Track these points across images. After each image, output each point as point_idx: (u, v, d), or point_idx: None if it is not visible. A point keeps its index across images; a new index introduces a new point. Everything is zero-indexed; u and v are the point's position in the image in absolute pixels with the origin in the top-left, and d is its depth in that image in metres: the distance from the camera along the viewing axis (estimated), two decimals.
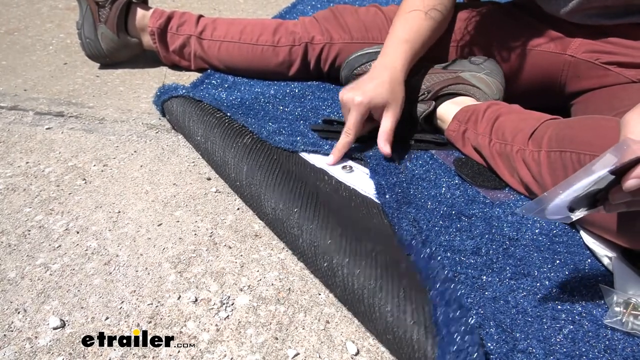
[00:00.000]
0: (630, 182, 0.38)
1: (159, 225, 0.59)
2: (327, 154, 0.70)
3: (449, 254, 0.53)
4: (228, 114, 0.74)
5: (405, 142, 0.74)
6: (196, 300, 0.49)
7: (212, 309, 0.48)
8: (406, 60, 0.72)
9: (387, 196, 0.61)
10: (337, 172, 0.67)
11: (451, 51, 0.84)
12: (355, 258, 0.47)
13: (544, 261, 0.53)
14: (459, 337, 0.39)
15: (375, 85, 0.68)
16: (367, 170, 0.67)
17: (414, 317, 0.41)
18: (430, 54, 0.81)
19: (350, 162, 0.69)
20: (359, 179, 0.66)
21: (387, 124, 0.69)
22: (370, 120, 0.71)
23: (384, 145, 0.68)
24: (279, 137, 0.72)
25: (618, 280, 0.50)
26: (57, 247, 0.55)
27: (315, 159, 0.69)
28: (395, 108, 0.69)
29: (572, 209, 0.42)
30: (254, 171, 0.60)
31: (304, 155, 0.70)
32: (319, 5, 1.44)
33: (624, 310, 0.46)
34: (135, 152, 0.74)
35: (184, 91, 0.78)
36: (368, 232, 0.52)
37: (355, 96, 0.67)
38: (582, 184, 0.39)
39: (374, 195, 0.62)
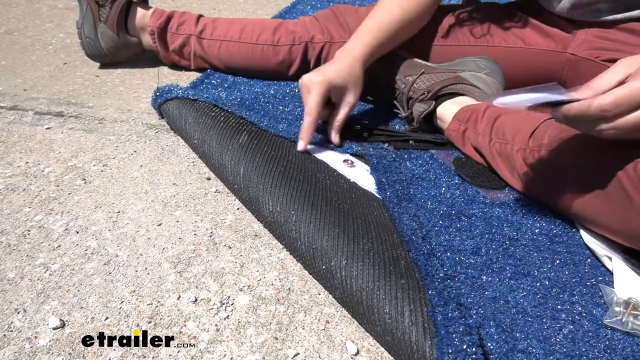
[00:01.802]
0: (556, 115, 0.45)
1: (158, 225, 0.59)
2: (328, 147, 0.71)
3: (448, 254, 0.53)
4: (225, 108, 0.74)
5: (406, 141, 0.74)
6: (196, 300, 0.49)
7: (211, 309, 0.48)
8: (367, 49, 0.74)
9: (387, 193, 0.61)
10: (339, 166, 0.67)
11: (451, 50, 0.84)
12: (352, 259, 0.47)
13: (543, 261, 0.53)
14: (457, 338, 0.39)
15: (336, 68, 0.70)
16: (367, 167, 0.68)
17: (411, 318, 0.41)
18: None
19: (351, 158, 0.69)
20: (360, 174, 0.66)
21: (341, 113, 0.71)
22: (328, 107, 0.72)
23: (334, 136, 0.71)
24: (281, 126, 0.73)
25: (618, 280, 0.50)
26: (57, 247, 0.55)
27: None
28: (353, 93, 0.71)
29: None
30: (251, 173, 0.60)
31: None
32: (318, 5, 1.43)
33: (624, 310, 0.46)
34: (135, 152, 0.74)
35: (179, 92, 0.77)
36: (367, 228, 0.52)
37: (314, 77, 0.68)
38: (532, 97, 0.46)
39: (375, 190, 0.62)
